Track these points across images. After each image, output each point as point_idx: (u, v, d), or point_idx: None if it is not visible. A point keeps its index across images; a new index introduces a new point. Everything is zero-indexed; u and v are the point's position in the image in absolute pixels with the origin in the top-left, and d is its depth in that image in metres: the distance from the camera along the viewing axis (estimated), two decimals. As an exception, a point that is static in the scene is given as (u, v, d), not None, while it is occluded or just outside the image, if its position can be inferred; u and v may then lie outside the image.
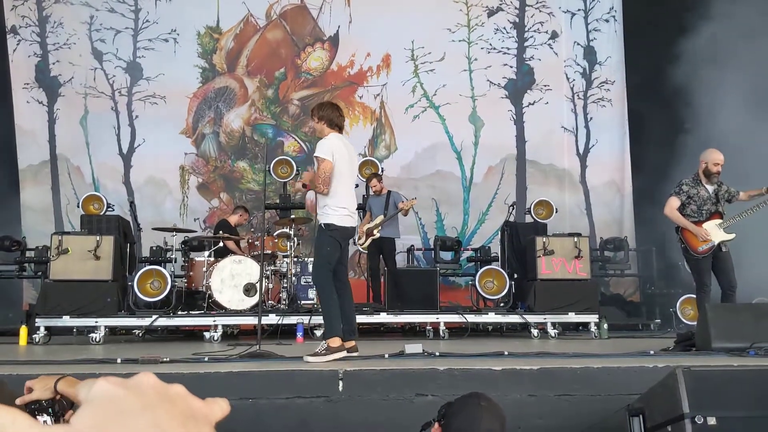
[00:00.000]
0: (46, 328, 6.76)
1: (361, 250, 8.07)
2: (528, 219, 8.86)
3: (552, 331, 7.20)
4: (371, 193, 8.35)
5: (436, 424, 2.22)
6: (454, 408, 2.24)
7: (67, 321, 6.83)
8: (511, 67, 10.74)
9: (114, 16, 10.36)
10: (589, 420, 3.71)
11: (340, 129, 4.91)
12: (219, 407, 0.56)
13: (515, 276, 8.06)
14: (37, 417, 1.71)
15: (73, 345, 6.61)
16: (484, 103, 10.57)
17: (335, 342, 4.55)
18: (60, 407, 1.67)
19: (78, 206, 8.91)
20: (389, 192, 8.19)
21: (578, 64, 10.83)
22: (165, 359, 4.38)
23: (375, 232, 7.67)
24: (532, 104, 10.73)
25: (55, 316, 6.80)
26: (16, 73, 10.11)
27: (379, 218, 7.86)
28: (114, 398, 0.50)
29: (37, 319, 6.79)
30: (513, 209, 9.02)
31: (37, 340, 6.65)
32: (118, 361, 4.39)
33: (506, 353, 4.77)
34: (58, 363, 4.37)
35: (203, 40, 10.59)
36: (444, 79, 10.52)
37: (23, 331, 6.73)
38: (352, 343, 4.75)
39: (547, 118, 10.70)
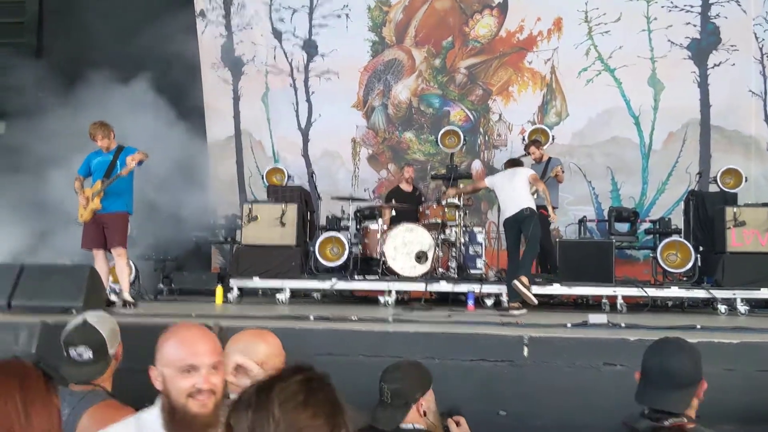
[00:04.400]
0: (239, 289, 7.35)
1: None
2: (712, 188, 8.28)
3: (742, 308, 6.70)
4: (532, 161, 8.22)
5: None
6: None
7: (257, 282, 7.39)
8: (695, 26, 9.92)
9: (292, -5, 10.83)
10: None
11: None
12: None
13: (701, 249, 7.55)
14: None
15: (262, 304, 7.14)
16: (665, 64, 9.84)
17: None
18: None
19: (262, 178, 9.56)
20: (549, 159, 8.10)
21: (769, 22, 9.82)
22: (353, 318, 4.61)
23: None
24: (717, 66, 9.87)
25: (246, 278, 7.38)
26: (204, 54, 10.86)
27: None
28: None
29: (231, 280, 7.41)
30: (699, 178, 8.46)
31: (230, 299, 7.24)
32: (311, 318, 4.68)
33: (698, 326, 4.54)
34: (260, 318, 4.75)
35: (373, 14, 10.79)
36: (620, 40, 9.90)
37: (219, 290, 7.36)
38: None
39: (733, 81, 9.78)
